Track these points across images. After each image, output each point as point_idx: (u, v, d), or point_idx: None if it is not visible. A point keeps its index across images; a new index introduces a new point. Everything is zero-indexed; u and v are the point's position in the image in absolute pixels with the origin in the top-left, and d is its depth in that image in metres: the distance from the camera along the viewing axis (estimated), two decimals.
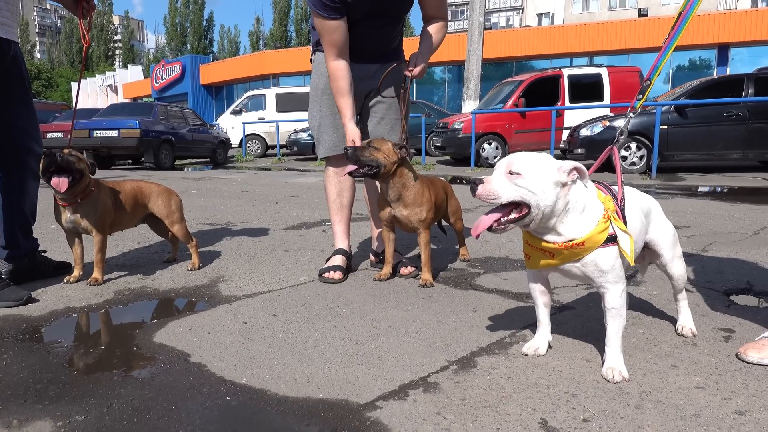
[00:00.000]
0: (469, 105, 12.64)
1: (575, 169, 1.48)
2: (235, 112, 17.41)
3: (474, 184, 1.46)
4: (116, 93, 43.31)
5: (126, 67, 48.92)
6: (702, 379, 1.54)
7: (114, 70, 48.28)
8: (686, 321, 1.88)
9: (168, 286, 2.54)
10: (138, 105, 13.59)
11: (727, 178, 7.56)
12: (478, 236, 1.49)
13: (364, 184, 2.87)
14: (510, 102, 10.71)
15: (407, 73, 2.54)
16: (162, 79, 34.08)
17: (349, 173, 2.39)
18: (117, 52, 74.78)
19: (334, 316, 2.12)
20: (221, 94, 33.24)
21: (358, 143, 2.42)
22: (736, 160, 8.33)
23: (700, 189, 6.59)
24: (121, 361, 1.70)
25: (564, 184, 1.47)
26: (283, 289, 2.48)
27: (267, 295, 2.40)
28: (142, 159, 11.74)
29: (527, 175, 1.44)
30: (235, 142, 16.48)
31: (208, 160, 13.92)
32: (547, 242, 1.52)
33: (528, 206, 1.46)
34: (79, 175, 2.40)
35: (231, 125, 17.03)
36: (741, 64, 21.23)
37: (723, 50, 21.75)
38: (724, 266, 2.76)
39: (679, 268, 1.81)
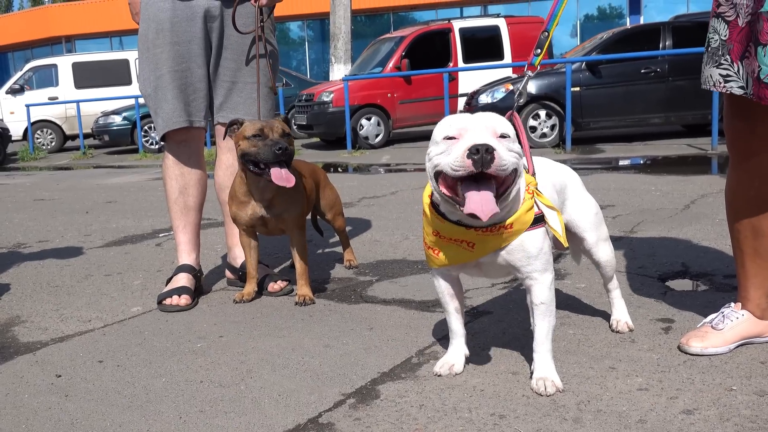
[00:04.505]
0: (340, 70, 12.79)
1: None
2: (13, 91, 16.27)
3: (487, 152, 1.41)
4: None
5: None
6: (644, 379, 1.70)
7: None
8: (621, 314, 2.06)
9: None
10: None
11: (650, 147, 8.34)
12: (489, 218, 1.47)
13: (215, 177, 2.80)
14: (390, 64, 10.99)
15: (252, 3, 2.51)
16: None
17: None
18: None
19: (184, 353, 2.06)
20: None
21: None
22: (658, 125, 9.20)
23: (621, 162, 7.21)
24: None
25: None
26: (109, 326, 2.38)
27: (87, 336, 2.29)
28: None
29: (513, 135, 1.51)
30: (17, 132, 15.37)
31: None
32: (469, 228, 1.56)
33: (515, 174, 1.51)
34: None
35: (9, 109, 15.90)
36: (655, 11, 23.44)
37: None
38: (656, 248, 3.05)
39: (606, 253, 1.98)
